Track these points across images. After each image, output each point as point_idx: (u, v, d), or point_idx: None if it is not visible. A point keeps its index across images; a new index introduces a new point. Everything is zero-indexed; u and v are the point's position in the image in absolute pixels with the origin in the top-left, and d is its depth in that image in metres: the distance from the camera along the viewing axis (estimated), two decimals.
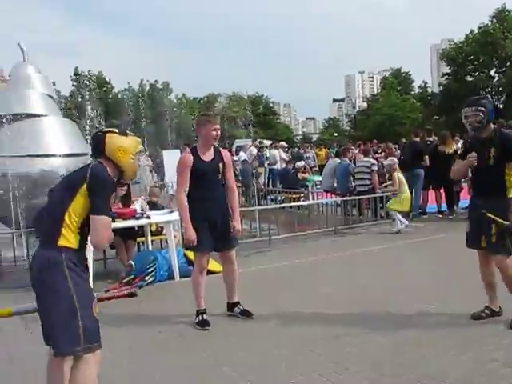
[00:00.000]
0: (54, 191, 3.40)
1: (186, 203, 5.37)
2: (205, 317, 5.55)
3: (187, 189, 5.40)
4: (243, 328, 5.43)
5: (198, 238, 5.35)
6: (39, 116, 10.83)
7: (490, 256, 5.05)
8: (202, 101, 67.17)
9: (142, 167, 22.07)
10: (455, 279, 6.78)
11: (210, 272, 7.61)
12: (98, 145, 3.46)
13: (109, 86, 61.18)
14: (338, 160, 13.77)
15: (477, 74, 45.74)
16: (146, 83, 60.79)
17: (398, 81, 71.53)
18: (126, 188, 8.20)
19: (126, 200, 8.08)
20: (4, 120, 10.24)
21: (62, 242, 3.16)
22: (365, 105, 52.20)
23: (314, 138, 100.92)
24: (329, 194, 13.63)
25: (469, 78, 46.00)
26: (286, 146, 24.25)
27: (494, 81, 45.46)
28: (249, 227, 10.96)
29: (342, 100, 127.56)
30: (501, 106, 45.32)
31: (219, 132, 5.46)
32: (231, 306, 5.77)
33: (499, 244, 4.92)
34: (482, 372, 4.05)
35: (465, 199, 12.89)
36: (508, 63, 43.77)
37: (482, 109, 4.94)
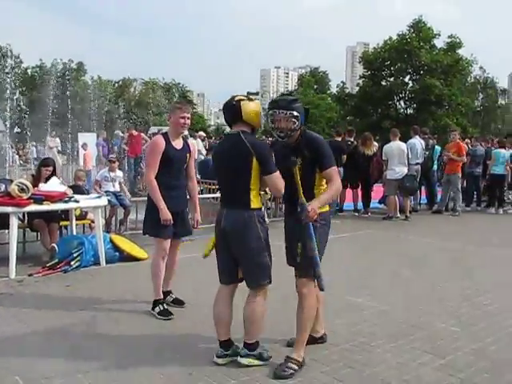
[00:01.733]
0: (222, 168, 4.25)
1: (157, 184, 5.38)
2: (165, 306, 5.58)
3: (156, 173, 5.41)
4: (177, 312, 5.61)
5: (160, 222, 5.39)
6: None
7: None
8: (116, 84, 65.76)
9: (48, 149, 21.53)
10: (371, 275, 7.31)
11: (132, 258, 7.86)
12: (236, 113, 4.17)
13: (17, 60, 58.66)
14: None
15: (392, 79, 47.61)
16: (59, 62, 58.76)
17: (314, 79, 73.28)
18: (51, 168, 8.18)
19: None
20: None
21: (253, 205, 4.12)
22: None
23: (228, 129, 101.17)
24: None
25: (384, 83, 47.80)
26: (205, 135, 24.41)
27: (409, 87, 47.47)
28: None
29: (257, 94, 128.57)
30: (411, 112, 47.73)
31: (188, 121, 5.54)
32: (165, 294, 5.82)
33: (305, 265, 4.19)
34: None
35: (375, 200, 13.81)
36: (422, 72, 45.87)
37: (297, 114, 4.17)
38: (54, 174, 8.18)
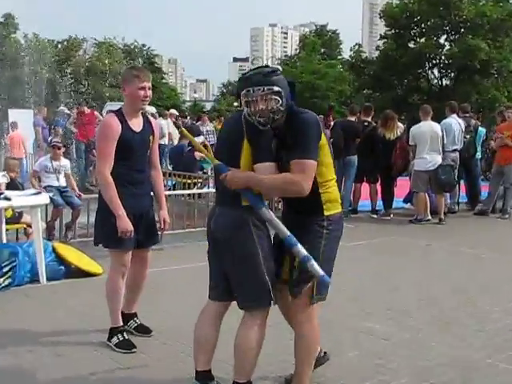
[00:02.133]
0: (217, 155, 4.27)
1: (113, 184, 5.27)
2: (126, 335, 5.58)
3: (112, 165, 5.32)
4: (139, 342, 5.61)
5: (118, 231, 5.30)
6: None
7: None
8: (59, 45, 65.56)
9: None
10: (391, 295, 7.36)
11: (83, 273, 7.87)
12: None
13: None
14: None
15: (423, 39, 47.61)
16: None
17: (321, 41, 73.37)
18: None
19: None
20: None
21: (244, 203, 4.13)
22: (278, 68, 52.62)
23: (208, 106, 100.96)
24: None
25: (412, 45, 47.84)
26: (178, 114, 24.45)
27: (445, 50, 47.41)
28: None
29: (246, 59, 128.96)
30: (448, 84, 47.79)
31: (150, 92, 5.46)
32: (127, 317, 5.82)
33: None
34: None
35: (399, 198, 13.85)
36: (463, 30, 45.85)
37: (278, 89, 4.09)
38: None
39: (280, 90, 4.07)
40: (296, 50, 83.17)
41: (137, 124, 5.51)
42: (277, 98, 4.05)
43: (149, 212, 5.68)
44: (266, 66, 4.36)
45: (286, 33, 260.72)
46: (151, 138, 5.64)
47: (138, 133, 5.48)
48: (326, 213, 4.19)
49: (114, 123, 5.36)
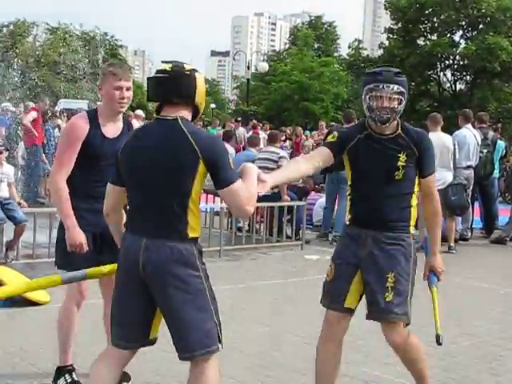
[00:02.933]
0: (142, 173, 4.17)
1: (67, 192, 5.28)
2: (75, 376, 5.56)
3: (69, 172, 5.31)
4: None
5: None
6: None
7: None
8: (5, 29, 65.30)
9: None
10: None
11: (27, 302, 7.81)
12: (189, 88, 4.20)
13: None
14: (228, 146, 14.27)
15: (435, 36, 47.90)
16: None
17: (315, 34, 73.73)
18: None
19: None
20: None
21: (190, 233, 4.15)
22: (265, 66, 52.46)
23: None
24: (210, 196, 13.86)
25: (422, 42, 48.08)
26: (144, 115, 24.42)
27: (460, 49, 47.65)
28: None
29: (227, 54, 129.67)
30: (462, 88, 48.03)
31: (129, 93, 5.41)
32: None
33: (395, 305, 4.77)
34: None
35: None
36: (481, 25, 46.11)
37: (403, 91, 4.77)
38: None
39: (404, 91, 4.73)
40: (285, 44, 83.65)
41: (112, 129, 5.45)
42: (401, 98, 4.69)
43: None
44: (391, 66, 4.91)
45: (275, 23, 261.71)
46: None
47: (109, 139, 5.37)
48: (411, 230, 4.79)
49: (80, 124, 5.35)
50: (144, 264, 4.11)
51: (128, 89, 5.41)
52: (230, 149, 13.94)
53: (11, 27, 65.59)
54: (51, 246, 9.09)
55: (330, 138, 5.03)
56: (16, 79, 33.18)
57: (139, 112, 23.68)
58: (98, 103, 23.28)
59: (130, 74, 5.61)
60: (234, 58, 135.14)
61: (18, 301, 7.79)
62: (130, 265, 4.19)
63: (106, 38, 72.58)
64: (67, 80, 48.67)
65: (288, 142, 26.45)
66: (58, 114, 25.50)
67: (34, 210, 10.42)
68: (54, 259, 5.73)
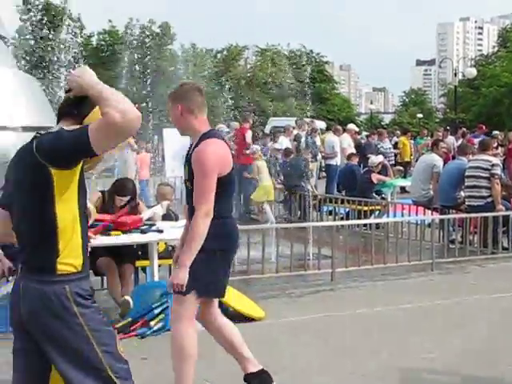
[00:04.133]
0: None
1: None
2: None
3: None
4: None
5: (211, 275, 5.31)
6: None
7: None
8: (219, 55, 67.30)
9: (126, 153, 22.42)
10: None
11: (245, 318, 7.85)
12: None
13: (77, 25, 61.90)
14: (435, 156, 13.99)
15: None
16: (136, 23, 61.07)
17: None
18: (127, 198, 8.42)
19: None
20: None
21: (61, 268, 3.49)
22: (473, 71, 50.37)
23: (386, 119, 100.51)
24: (420, 208, 13.75)
25: None
26: (357, 130, 24.35)
27: None
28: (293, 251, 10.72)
29: (432, 62, 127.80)
30: None
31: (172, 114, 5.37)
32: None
33: None
34: None
35: None
36: None
37: None
38: (133, 199, 8.48)
39: None
40: (494, 47, 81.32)
41: None
42: None
43: None
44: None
45: (482, 27, 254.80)
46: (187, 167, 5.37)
47: None
48: None
49: (226, 151, 5.33)
50: (24, 317, 3.54)
51: (171, 110, 5.37)
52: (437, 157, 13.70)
53: (225, 52, 67.63)
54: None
55: None
56: (229, 102, 34.16)
57: (352, 126, 23.61)
58: (305, 119, 23.57)
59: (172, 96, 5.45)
60: (439, 66, 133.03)
61: (235, 315, 7.81)
62: (16, 317, 3.62)
63: (311, 55, 73.35)
64: (276, 98, 49.47)
65: (500, 149, 25.62)
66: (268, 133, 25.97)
67: (247, 227, 10.52)
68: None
